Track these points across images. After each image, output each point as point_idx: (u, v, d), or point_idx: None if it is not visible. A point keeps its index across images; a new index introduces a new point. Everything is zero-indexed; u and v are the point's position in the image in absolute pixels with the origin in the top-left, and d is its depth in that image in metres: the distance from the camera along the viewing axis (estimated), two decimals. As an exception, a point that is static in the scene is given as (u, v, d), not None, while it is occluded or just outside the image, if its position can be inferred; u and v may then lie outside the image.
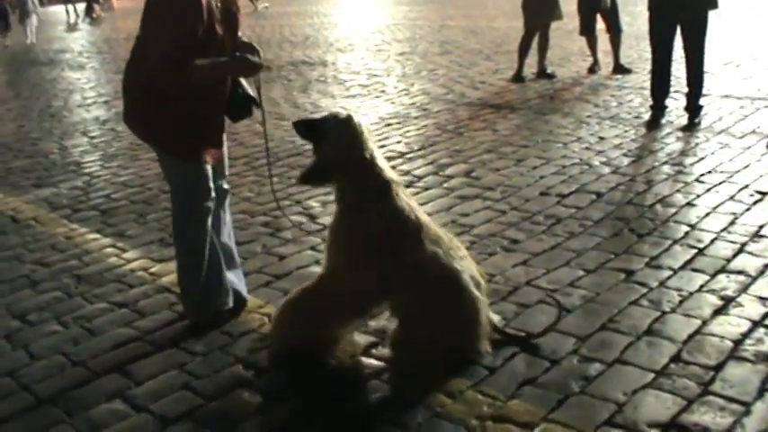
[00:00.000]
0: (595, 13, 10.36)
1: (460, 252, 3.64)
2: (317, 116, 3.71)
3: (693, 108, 7.51)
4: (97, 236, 5.56)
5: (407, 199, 3.56)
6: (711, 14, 7.42)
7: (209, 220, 4.02)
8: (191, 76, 3.64)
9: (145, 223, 5.73)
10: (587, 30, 10.60)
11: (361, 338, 3.70)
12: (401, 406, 3.21)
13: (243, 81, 4.05)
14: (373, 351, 3.65)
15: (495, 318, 3.70)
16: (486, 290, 3.68)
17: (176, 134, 3.87)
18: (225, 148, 4.18)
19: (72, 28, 30.04)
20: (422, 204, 5.50)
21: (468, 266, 3.61)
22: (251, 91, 4.06)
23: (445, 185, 6.03)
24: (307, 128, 3.62)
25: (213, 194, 4.00)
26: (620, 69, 10.37)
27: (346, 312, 3.61)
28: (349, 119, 3.51)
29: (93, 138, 8.93)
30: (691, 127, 7.32)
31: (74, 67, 16.36)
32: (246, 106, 4.04)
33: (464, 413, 3.12)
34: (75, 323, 4.20)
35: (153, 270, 4.84)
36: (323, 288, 3.61)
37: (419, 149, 7.16)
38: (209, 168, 3.97)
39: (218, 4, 3.74)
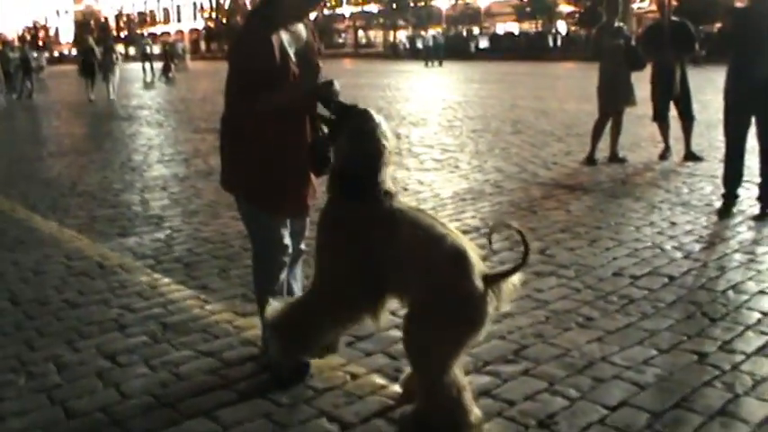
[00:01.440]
0: (669, 100, 10.57)
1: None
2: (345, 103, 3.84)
3: (766, 198, 7.61)
4: (181, 287, 5.86)
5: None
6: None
7: (282, 275, 4.22)
8: (257, 104, 3.87)
9: (227, 278, 6.02)
10: (660, 116, 10.81)
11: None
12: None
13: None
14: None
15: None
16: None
17: (250, 178, 4.09)
18: (308, 207, 4.34)
19: (149, 86, 31.16)
20: (498, 278, 5.72)
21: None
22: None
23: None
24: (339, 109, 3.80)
25: (289, 250, 4.19)
26: (691, 157, 10.52)
27: (344, 312, 3.73)
28: (370, 117, 3.67)
29: (173, 193, 9.37)
30: (763, 216, 7.42)
31: (152, 124, 17.07)
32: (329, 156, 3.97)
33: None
34: (162, 368, 4.46)
35: (237, 323, 5.09)
36: (316, 293, 3.78)
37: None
38: (285, 222, 4.16)
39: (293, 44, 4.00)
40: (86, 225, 7.88)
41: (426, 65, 45.99)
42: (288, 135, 4.03)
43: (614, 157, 10.75)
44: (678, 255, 6.33)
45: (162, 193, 9.43)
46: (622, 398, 3.91)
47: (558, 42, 57.28)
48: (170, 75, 35.69)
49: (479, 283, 3.44)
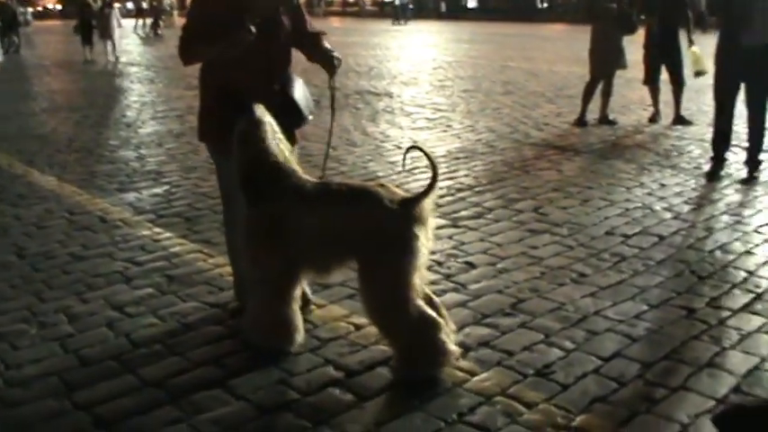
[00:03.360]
0: (661, 65, 10.70)
1: None
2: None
3: (753, 162, 7.78)
4: (183, 241, 6.00)
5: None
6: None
7: None
8: (193, 53, 4.26)
9: (229, 234, 6.14)
10: (652, 80, 10.94)
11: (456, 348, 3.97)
12: (483, 412, 3.56)
13: (296, 88, 4.41)
14: (458, 363, 3.99)
15: None
16: None
17: (203, 121, 4.53)
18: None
19: (144, 42, 30.90)
20: (492, 236, 5.93)
21: None
22: (302, 97, 4.43)
23: (514, 219, 6.38)
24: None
25: None
26: (680, 120, 10.67)
27: (273, 289, 4.00)
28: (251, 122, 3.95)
29: (169, 149, 9.48)
30: (749, 180, 7.59)
31: (143, 81, 17.06)
32: (293, 112, 4.38)
33: (541, 422, 3.46)
34: (171, 318, 4.61)
35: (242, 277, 5.24)
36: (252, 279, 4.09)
37: (487, 183, 7.53)
38: None
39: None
40: (85, 180, 7.98)
41: (393, 23, 45.58)
42: (237, 82, 4.23)
43: (604, 119, 10.89)
44: (667, 215, 6.50)
45: (158, 149, 9.52)
46: (615, 349, 4.10)
47: (545, 4, 56.87)
48: (158, 31, 35.42)
49: (396, 208, 3.69)
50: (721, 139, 7.99)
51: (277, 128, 4.03)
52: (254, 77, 4.27)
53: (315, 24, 4.69)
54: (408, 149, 4.04)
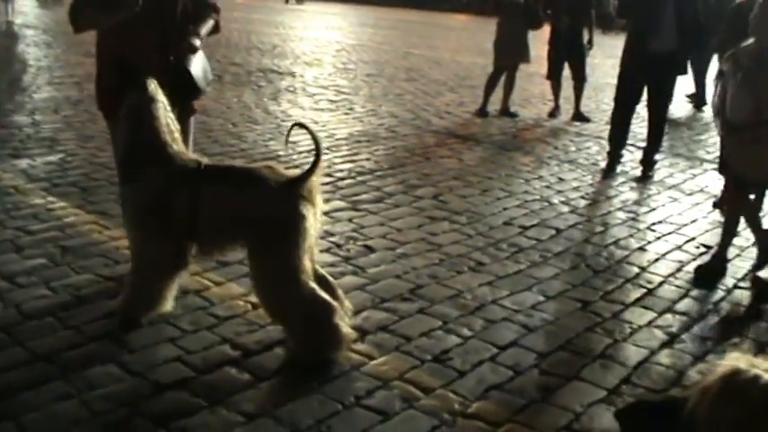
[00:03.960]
0: (563, 61, 10.86)
1: None
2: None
3: (648, 162, 7.96)
4: (78, 211, 5.75)
5: None
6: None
7: None
8: (79, 16, 4.21)
9: (124, 205, 5.92)
10: (554, 76, 11.10)
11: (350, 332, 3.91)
12: (380, 396, 3.51)
13: (194, 60, 4.31)
14: (355, 346, 3.93)
15: None
16: None
17: (97, 88, 4.50)
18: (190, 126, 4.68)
19: (42, 5, 29.63)
20: (392, 220, 5.89)
21: None
22: (199, 69, 4.35)
23: (414, 205, 6.35)
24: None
25: None
26: (579, 117, 10.87)
27: (153, 268, 3.96)
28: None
29: (66, 116, 9.05)
30: (644, 179, 7.76)
31: (39, 45, 16.33)
32: (189, 84, 4.30)
33: (438, 408, 3.43)
34: (64, 290, 4.40)
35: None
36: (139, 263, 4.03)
37: (388, 168, 7.48)
38: None
39: None
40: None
41: (287, 2, 45.34)
42: (132, 54, 4.10)
43: (505, 111, 10.99)
44: (565, 209, 6.58)
45: (54, 116, 9.06)
46: (512, 339, 4.12)
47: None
48: None
49: (281, 189, 3.64)
50: (618, 137, 8.13)
51: (168, 106, 3.92)
52: (149, 49, 4.22)
53: None
54: (293, 126, 3.99)
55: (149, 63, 4.08)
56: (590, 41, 10.91)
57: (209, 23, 4.50)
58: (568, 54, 10.74)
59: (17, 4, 22.92)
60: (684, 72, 8.08)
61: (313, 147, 3.72)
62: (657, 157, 8.08)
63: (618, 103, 8.12)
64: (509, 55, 10.95)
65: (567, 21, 10.48)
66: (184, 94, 4.34)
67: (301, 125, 3.95)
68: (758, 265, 5.34)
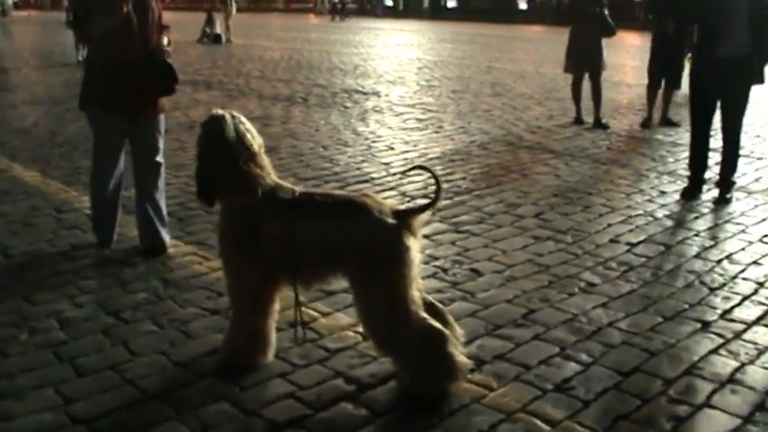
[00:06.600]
0: (663, 70, 10.63)
1: None
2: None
3: (726, 183, 7.24)
4: (177, 242, 5.80)
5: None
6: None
7: (111, 185, 5.59)
8: (84, 30, 5.34)
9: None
10: (654, 85, 10.89)
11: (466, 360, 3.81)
12: (505, 430, 3.41)
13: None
14: (472, 376, 3.84)
15: None
16: None
17: (93, 92, 5.36)
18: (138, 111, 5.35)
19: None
20: (496, 242, 5.80)
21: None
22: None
23: (517, 225, 6.25)
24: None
25: (120, 165, 5.60)
26: (667, 122, 10.75)
27: (250, 301, 3.83)
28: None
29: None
30: (722, 202, 7.03)
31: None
32: (169, 75, 5.23)
33: (565, 440, 3.33)
34: (170, 325, 4.41)
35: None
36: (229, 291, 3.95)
37: (486, 187, 7.38)
38: (117, 135, 5.44)
39: None
40: (71, 176, 7.75)
41: (333, 19, 46.51)
42: (121, 50, 5.15)
43: (598, 123, 10.79)
44: (670, 223, 6.40)
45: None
46: (634, 364, 3.97)
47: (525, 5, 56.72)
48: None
49: (389, 220, 3.54)
50: (698, 160, 7.32)
51: (249, 125, 3.87)
52: (135, 44, 5.15)
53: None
54: (413, 168, 3.97)
55: (136, 56, 5.14)
56: (690, 48, 10.61)
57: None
58: (668, 62, 10.51)
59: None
60: (761, 80, 7.17)
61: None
62: (762, 164, 7.76)
63: (693, 120, 7.36)
64: (576, 62, 10.94)
65: (672, 25, 10.22)
66: (164, 85, 5.25)
67: (422, 167, 3.96)
68: None
